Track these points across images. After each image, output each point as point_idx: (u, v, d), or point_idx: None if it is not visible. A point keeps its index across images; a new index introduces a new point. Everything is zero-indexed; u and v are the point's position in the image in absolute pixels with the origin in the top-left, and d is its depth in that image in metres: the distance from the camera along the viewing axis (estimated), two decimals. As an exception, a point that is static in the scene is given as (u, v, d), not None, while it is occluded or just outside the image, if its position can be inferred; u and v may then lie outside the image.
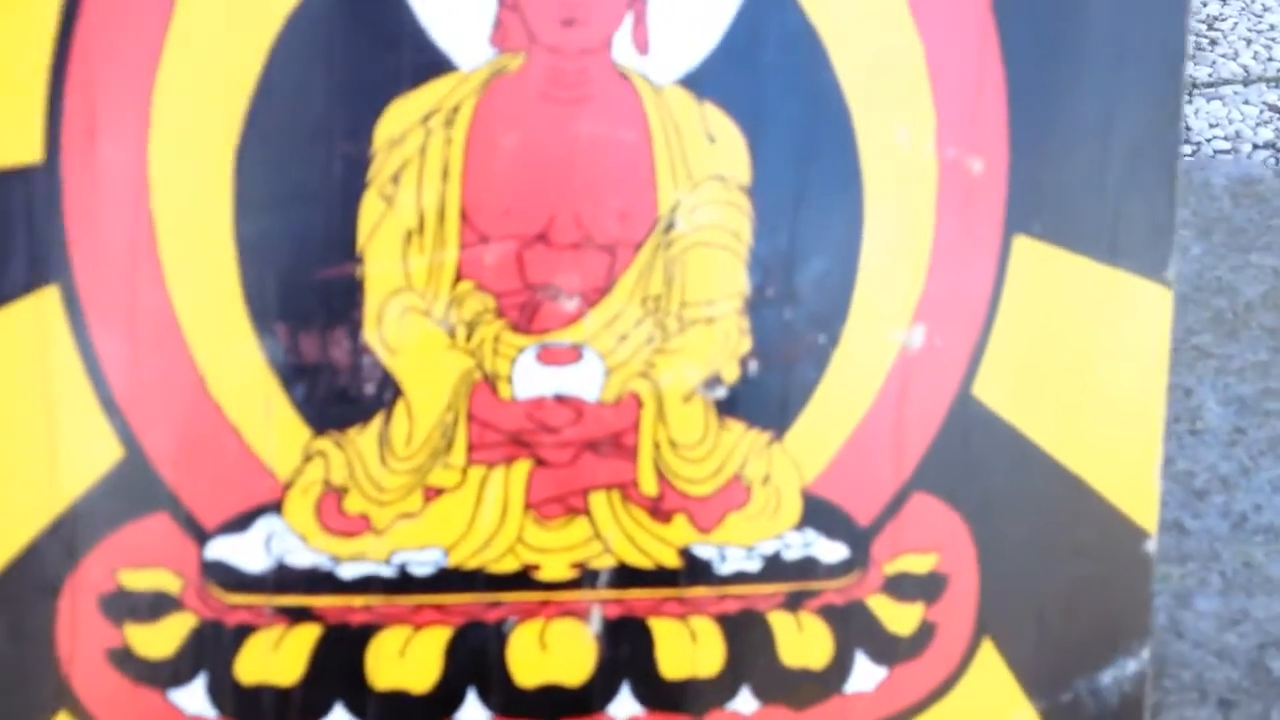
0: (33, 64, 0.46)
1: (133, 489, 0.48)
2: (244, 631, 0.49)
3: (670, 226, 0.51)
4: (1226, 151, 1.72)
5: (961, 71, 0.54)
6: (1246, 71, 1.96)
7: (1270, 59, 2.00)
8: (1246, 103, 1.92)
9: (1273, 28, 2.10)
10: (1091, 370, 0.57)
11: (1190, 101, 1.86)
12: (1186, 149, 1.76)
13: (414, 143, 0.49)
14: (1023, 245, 0.55)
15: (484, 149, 0.49)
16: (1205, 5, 2.16)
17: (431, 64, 0.49)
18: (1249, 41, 2.07)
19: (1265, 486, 0.80)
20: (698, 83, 0.51)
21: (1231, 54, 2.03)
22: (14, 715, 0.47)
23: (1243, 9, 2.18)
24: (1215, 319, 0.94)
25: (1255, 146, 1.66)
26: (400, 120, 0.48)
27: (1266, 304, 0.96)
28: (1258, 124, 1.86)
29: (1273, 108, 1.90)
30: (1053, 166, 0.56)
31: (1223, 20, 2.13)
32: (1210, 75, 1.97)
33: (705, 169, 0.51)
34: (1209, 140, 1.77)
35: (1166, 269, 0.57)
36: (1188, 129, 1.76)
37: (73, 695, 0.48)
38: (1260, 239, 1.02)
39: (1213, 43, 2.08)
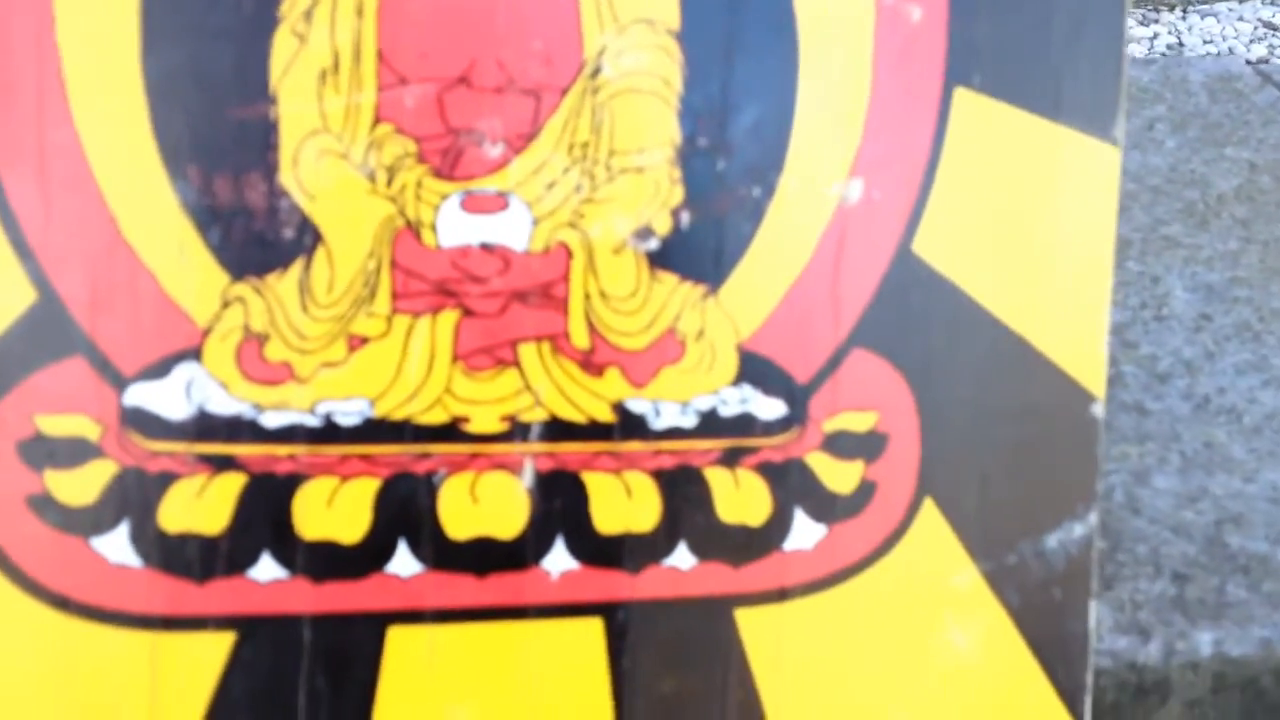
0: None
1: (47, 333, 0.45)
2: (166, 479, 0.46)
3: (597, 71, 0.48)
4: (1219, 70, 1.68)
5: (901, -83, 0.50)
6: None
7: (1266, -23, 1.97)
8: (1241, 19, 1.87)
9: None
10: (1036, 228, 0.54)
11: (1184, 17, 1.82)
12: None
13: (328, -21, 0.45)
14: (963, 98, 0.52)
15: (402, -13, 0.46)
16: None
17: (345, -104, 0.45)
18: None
19: (1229, 370, 0.77)
20: (624, -79, 0.48)
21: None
22: (-64, 564, 0.45)
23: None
24: (1186, 210, 0.90)
25: (1247, 62, 1.62)
26: (313, -45, 0.45)
27: (1239, 196, 0.92)
28: (1251, 40, 1.81)
29: (1267, 24, 1.86)
30: (994, 19, 0.52)
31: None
32: None
33: (632, 12, 0.48)
34: (1201, 59, 1.74)
35: (1113, 128, 0.54)
36: (1180, 44, 1.72)
37: (-6, 543, 0.45)
38: (1236, 133, 0.98)
39: (1209, -41, 2.04)
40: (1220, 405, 0.74)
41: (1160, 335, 0.78)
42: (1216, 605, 0.62)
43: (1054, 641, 0.55)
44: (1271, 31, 1.81)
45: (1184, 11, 1.78)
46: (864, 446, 0.53)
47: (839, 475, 0.53)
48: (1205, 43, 1.73)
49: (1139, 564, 0.67)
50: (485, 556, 0.49)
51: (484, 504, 0.49)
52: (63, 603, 0.47)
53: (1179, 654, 0.62)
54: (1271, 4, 1.89)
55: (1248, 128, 0.98)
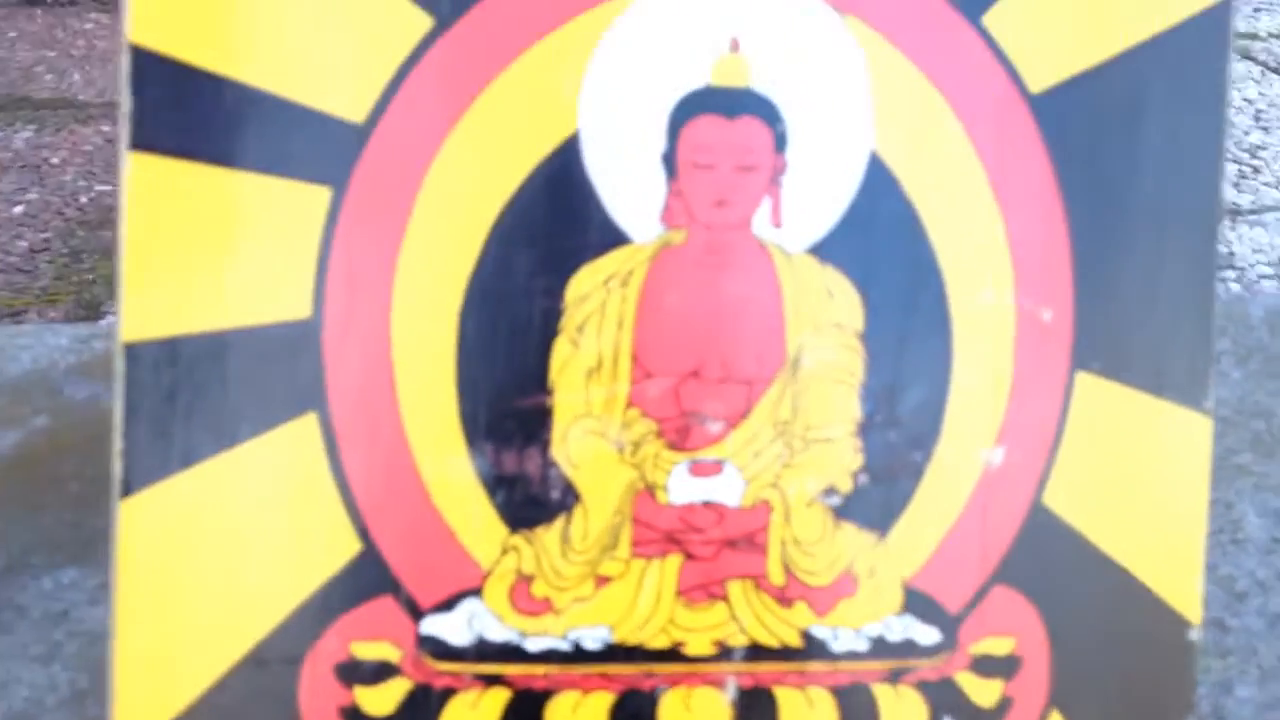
0: (308, 235, 0.57)
1: (366, 576, 0.57)
2: (448, 693, 0.58)
3: (797, 365, 0.60)
4: (1270, 276, 1.76)
5: (1034, 237, 0.63)
6: (1290, 199, 1.97)
7: (1312, 186, 2.02)
8: (1289, 228, 1.94)
9: (1313, 155, 2.12)
10: (1143, 485, 0.66)
11: (1234, 228, 1.91)
12: (1230, 274, 1.81)
13: (596, 300, 0.59)
14: (1084, 380, 0.64)
15: (651, 305, 0.59)
16: (1248, 135, 2.20)
17: (612, 238, 0.59)
18: (1292, 169, 2.09)
19: (1298, 589, 0.87)
20: (822, 251, 0.61)
21: (1274, 182, 2.06)
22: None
23: (1285, 137, 2.20)
24: (1254, 440, 1.01)
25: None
26: (587, 282, 0.59)
27: (1304, 425, 1.03)
28: (1302, 249, 1.89)
29: (1315, 234, 1.92)
30: (1108, 313, 0.65)
31: (1264, 149, 2.17)
32: (1253, 203, 1.99)
33: (826, 318, 0.61)
34: (1252, 265, 1.82)
35: (1206, 399, 0.66)
36: (1232, 255, 1.81)
37: (312, 744, 0.57)
38: (1296, 365, 1.09)
39: (1255, 170, 2.11)
40: (1292, 621, 0.85)
41: (1237, 558, 0.89)
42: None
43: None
44: (1320, 241, 1.88)
45: (1233, 221, 1.88)
46: (1003, 667, 0.64)
47: (983, 691, 0.64)
48: (1255, 251, 1.83)
49: (1229, 771, 0.77)
50: (697, 760, 0.61)
51: (695, 715, 0.61)
52: (362, 795, 0.58)
53: None
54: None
55: (1309, 360, 1.09)
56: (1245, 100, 2.36)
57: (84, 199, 1.86)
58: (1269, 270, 1.79)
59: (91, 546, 0.82)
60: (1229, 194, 1.95)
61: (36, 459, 0.90)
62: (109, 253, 1.62)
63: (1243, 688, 0.79)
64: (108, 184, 1.88)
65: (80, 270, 1.69)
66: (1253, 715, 0.77)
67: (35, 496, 0.87)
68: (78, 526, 0.83)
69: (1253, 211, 1.98)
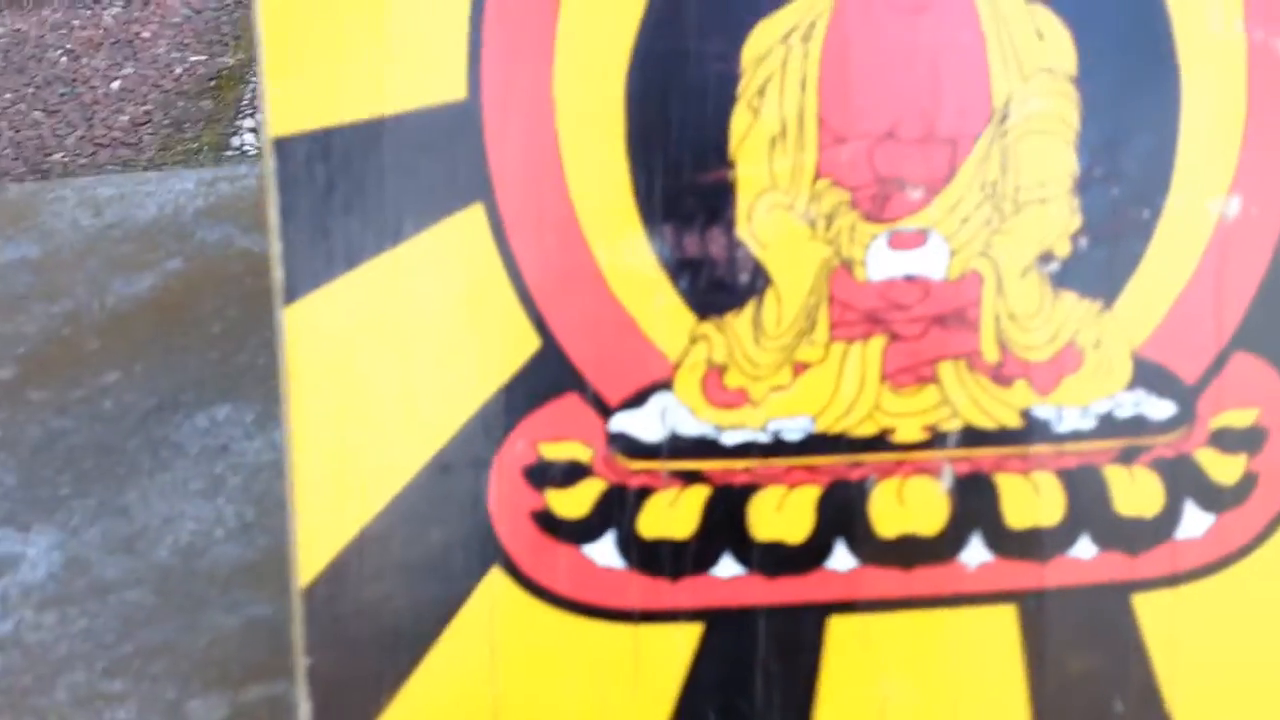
0: (457, 15, 0.50)
1: (548, 374, 0.52)
2: (644, 493, 0.53)
3: (1005, 118, 0.52)
4: None
5: (1270, -45, 0.53)
6: None
7: None
8: None
9: None
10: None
11: None
12: None
13: (776, 59, 0.51)
14: (1331, 116, 0.55)
15: (836, 60, 0.51)
16: None
17: (789, -14, 0.51)
18: None
19: None
20: (1026, -17, 0.52)
21: None
22: (454, 570, 0.52)
23: None
24: None
25: None
26: (764, 40, 0.51)
27: None
28: None
29: None
30: (1357, 40, 0.55)
31: None
32: None
33: (1035, 63, 0.52)
34: None
35: None
36: None
37: (504, 551, 0.53)
38: None
39: None
40: None
41: None
42: None
43: None
44: None
45: None
46: (1246, 441, 0.56)
47: (1224, 468, 0.56)
48: None
49: None
50: (911, 552, 0.54)
51: (909, 505, 0.54)
52: (560, 601, 0.53)
53: None
54: None
55: None
56: None
57: (179, 70, 1.83)
58: None
59: (241, 383, 0.79)
60: None
61: (174, 302, 0.87)
62: (212, 120, 1.58)
63: None
64: (202, 54, 1.84)
65: (184, 139, 1.67)
66: None
67: (178, 338, 0.85)
68: (225, 364, 0.80)
69: None
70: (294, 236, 0.49)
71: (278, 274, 0.49)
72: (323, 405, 0.50)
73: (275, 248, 0.49)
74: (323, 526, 0.51)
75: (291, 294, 0.49)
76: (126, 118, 1.66)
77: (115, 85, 1.75)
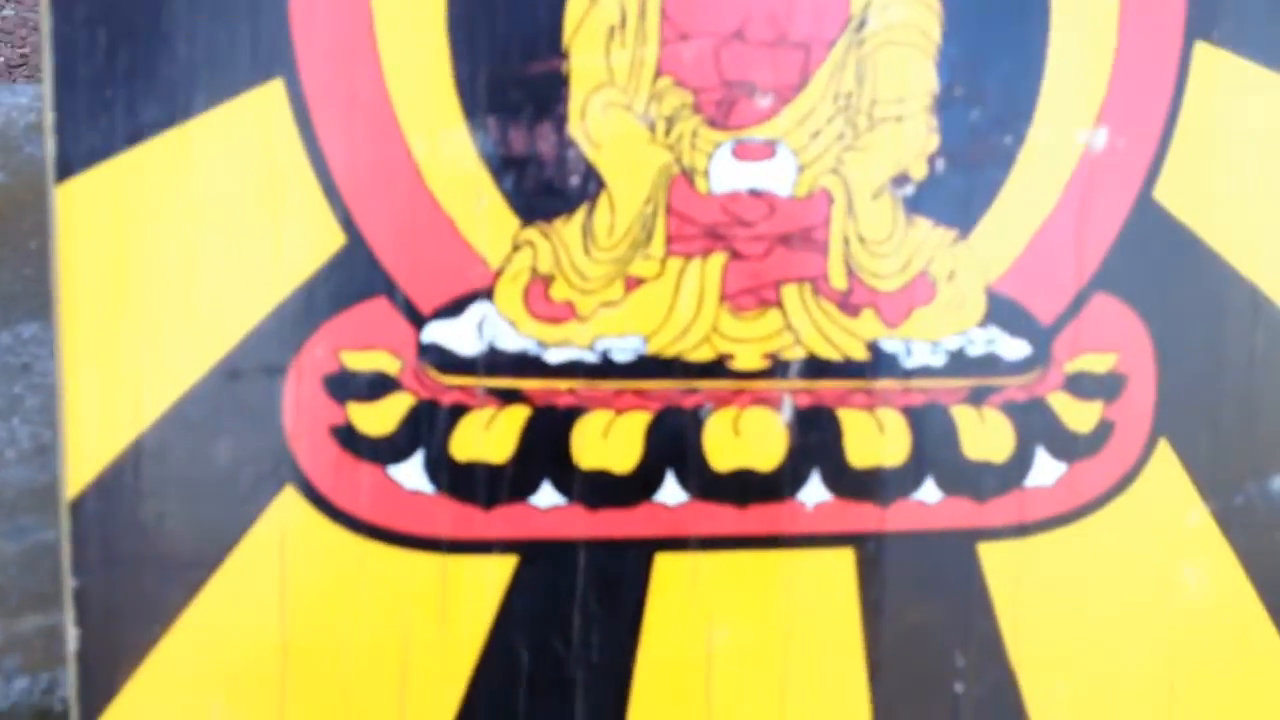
0: None
1: (353, 274, 0.46)
2: (458, 411, 0.47)
3: (862, 24, 0.47)
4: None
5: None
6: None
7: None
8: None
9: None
10: (1271, 179, 0.52)
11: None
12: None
13: (616, -61, 0.46)
14: (1203, 51, 0.51)
15: (683, -55, 0.46)
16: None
17: None
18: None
19: None
20: (890, -121, 0.47)
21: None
22: (242, 489, 0.47)
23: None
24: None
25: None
26: (603, -84, 0.46)
27: None
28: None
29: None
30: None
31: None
32: None
33: (897, -34, 0.47)
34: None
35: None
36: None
37: (298, 469, 0.47)
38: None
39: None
40: None
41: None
42: None
43: (1278, 582, 0.55)
44: None
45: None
46: (1103, 387, 0.52)
47: (1079, 414, 0.52)
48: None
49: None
50: (746, 488, 0.50)
51: (746, 438, 0.50)
52: (361, 526, 0.48)
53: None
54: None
55: None
56: None
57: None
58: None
59: (52, 302, 0.72)
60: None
61: (-8, 215, 0.81)
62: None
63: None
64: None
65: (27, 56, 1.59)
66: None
67: (-9, 252, 0.78)
68: (37, 282, 0.74)
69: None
70: (70, 106, 0.43)
71: (50, 146, 0.42)
72: (96, 298, 0.44)
73: (48, 118, 0.42)
74: (93, 435, 0.45)
75: (65, 170, 0.43)
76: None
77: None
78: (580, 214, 0.47)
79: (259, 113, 0.45)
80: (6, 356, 0.69)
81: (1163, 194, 0.51)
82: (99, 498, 0.46)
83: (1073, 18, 0.49)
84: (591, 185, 0.47)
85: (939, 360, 0.50)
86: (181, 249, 0.45)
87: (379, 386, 0.47)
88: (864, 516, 0.50)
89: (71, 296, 0.44)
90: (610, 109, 0.47)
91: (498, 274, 0.47)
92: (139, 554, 0.46)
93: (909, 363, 0.49)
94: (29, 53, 1.59)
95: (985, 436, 0.50)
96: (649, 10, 0.46)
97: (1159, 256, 0.51)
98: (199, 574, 0.47)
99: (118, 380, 0.45)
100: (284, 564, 0.47)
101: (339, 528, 0.47)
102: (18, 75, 1.56)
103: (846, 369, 0.50)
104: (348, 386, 0.47)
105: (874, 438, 0.50)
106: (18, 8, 1.66)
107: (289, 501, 0.47)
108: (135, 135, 0.44)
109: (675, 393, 0.49)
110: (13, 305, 0.71)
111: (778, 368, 0.49)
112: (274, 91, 0.45)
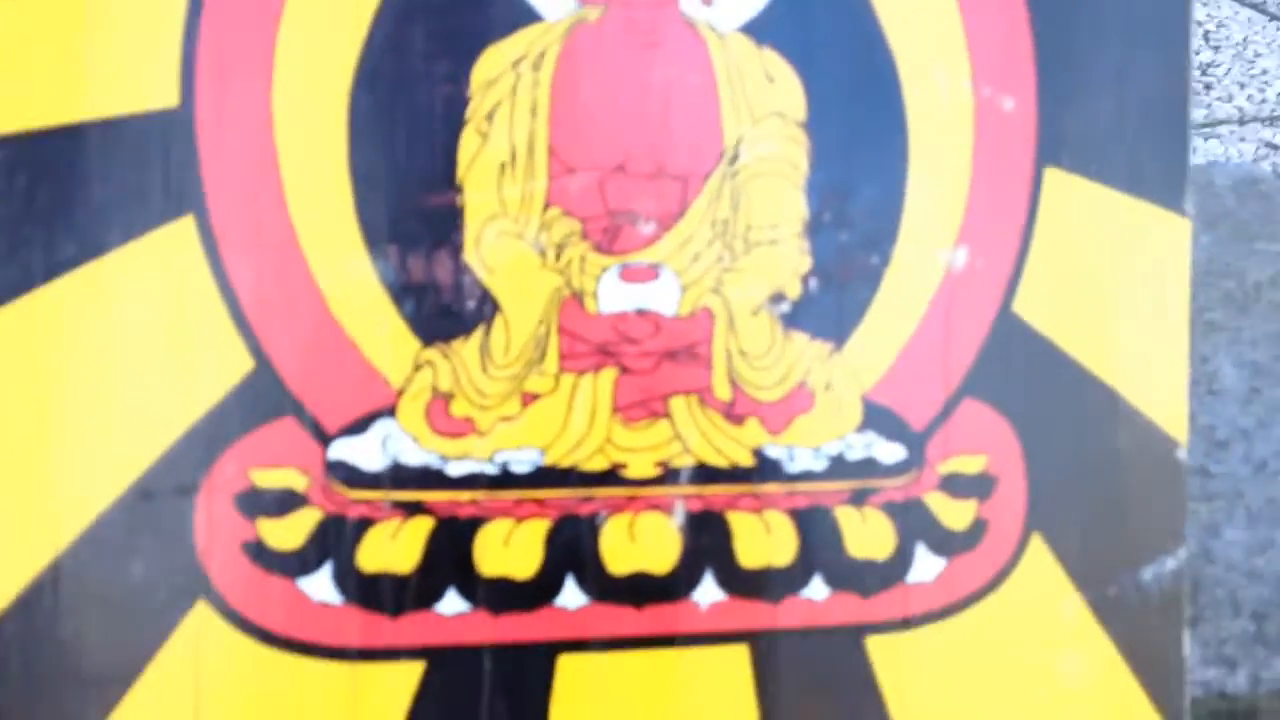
0: (170, 20, 0.47)
1: (262, 397, 0.48)
2: (364, 524, 0.49)
3: (735, 158, 0.51)
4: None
5: (992, 20, 0.53)
6: (1241, 113, 1.93)
7: (1264, 100, 1.98)
8: (1243, 140, 1.89)
9: (1265, 72, 2.08)
10: (1120, 291, 0.56)
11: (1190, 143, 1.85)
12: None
13: (506, 84, 0.49)
14: (1053, 176, 0.55)
15: (568, 90, 0.49)
16: (1198, 53, 2.14)
17: (520, 15, 0.49)
18: (1242, 85, 2.05)
19: (1282, 435, 0.78)
20: (757, 30, 0.51)
21: (1226, 97, 2.01)
22: (156, 604, 0.47)
23: (1235, 55, 2.15)
24: (1226, 297, 0.92)
25: (1275, 168, 1.64)
26: (493, 65, 0.49)
27: (1275, 284, 0.94)
28: (1255, 159, 1.82)
29: (1269, 144, 1.87)
30: (1076, 108, 0.55)
31: (1216, 66, 2.11)
32: (1206, 117, 1.94)
33: (765, 106, 0.51)
34: (1224, 163, 1.75)
35: (1183, 201, 0.56)
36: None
37: (210, 584, 0.48)
38: (1265, 230, 1.00)
39: (1207, 88, 2.06)
40: (1278, 468, 0.75)
41: (1215, 408, 0.79)
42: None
43: (1155, 667, 0.56)
44: (1274, 150, 1.83)
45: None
46: (976, 487, 0.54)
47: (955, 513, 0.54)
48: (1210, 163, 1.76)
49: (1219, 605, 0.68)
50: (642, 590, 0.51)
51: (640, 542, 0.51)
52: (271, 638, 0.49)
53: (1265, 682, 0.63)
54: (1270, 125, 1.91)
55: (1274, 224, 1.00)
56: (1195, 22, 2.27)
57: None
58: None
59: None
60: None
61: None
62: None
63: (1231, 530, 0.70)
64: None
65: None
66: (1241, 557, 0.67)
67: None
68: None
69: (1206, 125, 1.91)
70: (-9, 244, 0.45)
71: (-29, 282, 0.44)
72: (15, 427, 0.45)
73: (-30, 256, 0.44)
74: (12, 556, 0.45)
75: (-15, 304, 0.45)
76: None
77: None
78: (478, 335, 0.49)
79: (170, 247, 0.47)
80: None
81: (1021, 307, 0.54)
82: (18, 618, 0.46)
83: (930, 147, 0.52)
84: (487, 308, 0.49)
85: (820, 465, 0.52)
86: (96, 377, 0.46)
87: (287, 503, 0.48)
88: (756, 614, 0.51)
89: (-9, 423, 0.46)
90: (503, 237, 0.49)
91: (400, 393, 0.49)
92: (58, 672, 0.47)
93: (792, 468, 0.51)
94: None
95: (867, 535, 0.52)
96: (537, 148, 0.49)
97: (1021, 365, 0.54)
98: (116, 689, 0.47)
99: (36, 504, 0.46)
100: (198, 677, 0.48)
101: (251, 640, 0.48)
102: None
103: (734, 474, 0.51)
104: (257, 503, 0.48)
105: (762, 539, 0.51)
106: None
107: (202, 616, 0.47)
108: (52, 270, 0.46)
109: (572, 501, 0.50)
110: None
111: (669, 475, 0.51)
112: (185, 227, 0.47)
